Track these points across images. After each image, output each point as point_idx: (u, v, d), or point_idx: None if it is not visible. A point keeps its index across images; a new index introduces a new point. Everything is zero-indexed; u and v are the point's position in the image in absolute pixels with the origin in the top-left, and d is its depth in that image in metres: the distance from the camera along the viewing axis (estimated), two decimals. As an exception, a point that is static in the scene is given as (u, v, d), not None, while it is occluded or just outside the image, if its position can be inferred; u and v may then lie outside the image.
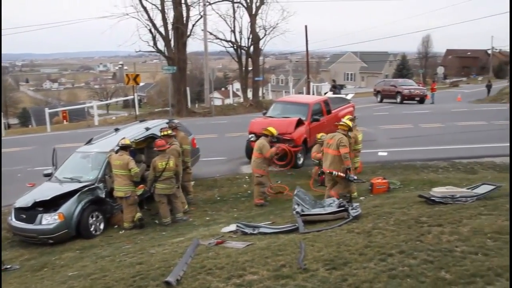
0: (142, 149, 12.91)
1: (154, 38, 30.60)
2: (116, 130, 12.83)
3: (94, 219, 10.48)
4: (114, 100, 65.55)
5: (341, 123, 10.20)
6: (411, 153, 15.60)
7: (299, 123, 14.64)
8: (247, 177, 13.78)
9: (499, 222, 6.26)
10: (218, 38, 35.27)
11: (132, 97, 33.14)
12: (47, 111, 29.00)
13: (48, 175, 11.59)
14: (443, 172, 13.74)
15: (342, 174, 9.67)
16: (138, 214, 10.74)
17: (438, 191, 8.15)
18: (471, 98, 38.61)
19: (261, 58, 41.11)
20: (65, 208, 10.00)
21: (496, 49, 74.75)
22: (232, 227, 8.33)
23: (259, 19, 35.66)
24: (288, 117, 14.98)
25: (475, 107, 28.96)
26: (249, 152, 14.05)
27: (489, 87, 41.24)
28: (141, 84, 63.61)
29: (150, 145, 12.34)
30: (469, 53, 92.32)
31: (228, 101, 46.56)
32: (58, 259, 8.73)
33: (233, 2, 35.15)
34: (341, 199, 8.96)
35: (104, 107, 69.95)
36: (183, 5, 30.70)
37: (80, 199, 10.20)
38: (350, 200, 9.54)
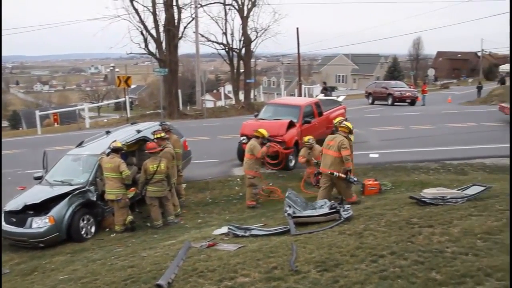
0: (134, 151, 12.89)
1: (145, 40, 30.56)
2: (107, 132, 12.78)
3: (85, 222, 10.42)
4: (105, 102, 65.45)
5: (341, 125, 10.23)
6: (402, 154, 15.67)
7: (291, 125, 14.66)
8: (238, 179, 13.77)
9: (489, 223, 6.31)
10: (210, 40, 35.29)
11: (123, 99, 33.03)
12: (38, 113, 28.86)
13: (39, 178, 11.52)
14: (434, 173, 13.81)
15: (343, 175, 9.70)
16: (130, 217, 10.70)
17: (428, 193, 8.19)
18: (461, 99, 38.87)
19: (252, 60, 41.13)
20: (55, 211, 9.93)
21: (485, 52, 75.32)
22: (224, 229, 8.32)
23: (250, 21, 35.72)
24: (280, 119, 15.00)
25: (465, 108, 29.17)
26: (241, 154, 14.06)
27: (479, 88, 41.59)
28: (133, 86, 63.51)
29: (141, 147, 12.31)
30: (459, 55, 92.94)
31: (220, 103, 46.55)
32: (49, 263, 8.67)
33: (224, 4, 35.15)
34: (332, 201, 8.98)
35: (95, 109, 69.60)
36: (175, 7, 30.70)
37: (71, 202, 10.13)
38: (341, 201, 9.57)
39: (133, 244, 9.28)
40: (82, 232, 10.30)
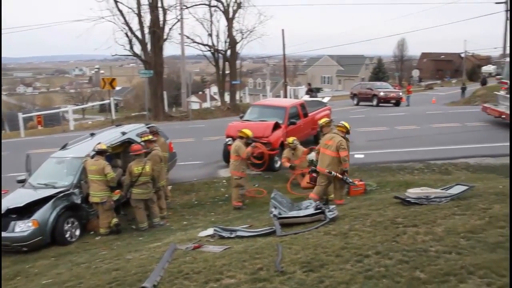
0: (119, 154, 12.80)
1: (130, 41, 30.40)
2: (92, 135, 12.68)
3: (69, 225, 10.32)
4: (90, 104, 64.89)
5: (339, 125, 10.26)
6: (387, 155, 15.79)
7: (276, 126, 14.68)
8: (224, 181, 13.76)
9: (472, 222, 6.38)
10: (195, 42, 35.22)
11: (108, 101, 32.78)
12: (21, 116, 28.48)
13: (22, 181, 11.37)
14: (419, 173, 13.94)
15: (340, 176, 9.74)
16: (115, 220, 10.63)
17: (413, 192, 8.25)
18: (445, 100, 39.26)
19: (238, 61, 41.08)
20: (39, 214, 9.81)
21: (469, 53, 76.11)
22: (210, 231, 8.29)
23: (236, 23, 35.71)
24: (265, 121, 15.01)
25: (450, 109, 29.44)
26: (226, 155, 14.05)
27: (463, 89, 42.16)
28: (118, 88, 63.01)
29: (126, 150, 12.23)
30: (443, 57, 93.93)
31: (206, 105, 46.39)
32: (32, 267, 8.57)
33: (210, 6, 35.11)
34: (317, 202, 9.01)
35: (80, 111, 68.96)
36: (160, 9, 30.58)
37: (55, 205, 10.03)
38: (327, 202, 9.60)
39: (118, 247, 9.22)
40: (67, 235, 10.21)
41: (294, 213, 8.47)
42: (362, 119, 25.22)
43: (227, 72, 36.94)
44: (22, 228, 9.68)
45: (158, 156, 11.23)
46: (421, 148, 16.62)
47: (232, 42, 35.51)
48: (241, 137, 11.73)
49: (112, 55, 31.93)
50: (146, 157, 10.94)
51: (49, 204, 9.96)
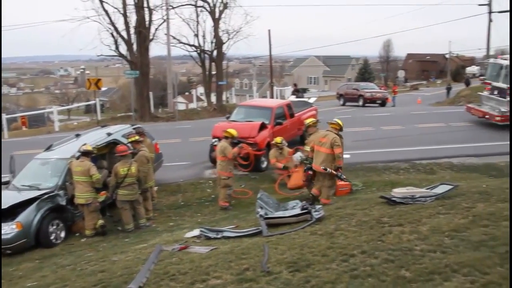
0: (104, 155, 12.71)
1: (116, 42, 30.18)
2: (77, 135, 12.58)
3: (54, 227, 10.23)
4: (75, 105, 64.34)
5: (333, 122, 10.28)
6: (373, 155, 15.89)
7: (262, 127, 14.70)
8: (210, 182, 13.74)
9: (456, 221, 6.44)
10: (181, 42, 35.06)
11: (94, 102, 32.54)
12: (5, 117, 28.14)
13: (6, 183, 11.25)
14: (404, 173, 14.06)
15: (335, 172, 9.80)
16: (100, 221, 10.56)
17: (398, 192, 8.30)
18: (430, 100, 39.62)
19: (224, 62, 41.02)
20: (23, 216, 9.70)
21: (453, 54, 76.98)
22: (196, 232, 8.27)
23: (222, 23, 35.62)
24: (251, 121, 15.02)
25: (434, 109, 29.71)
26: (212, 156, 14.03)
27: (448, 89, 42.74)
28: (104, 88, 62.61)
29: (112, 150, 12.15)
30: (428, 57, 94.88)
31: (192, 105, 46.27)
32: (16, 270, 8.46)
33: (196, 6, 35.01)
34: (304, 202, 9.03)
35: (65, 112, 68.32)
36: (146, 9, 30.40)
37: (39, 207, 9.93)
38: (313, 202, 9.63)
39: (103, 249, 9.16)
40: (51, 238, 10.11)
41: (280, 214, 8.48)
42: (348, 119, 25.27)
43: (213, 72, 36.84)
44: (5, 230, 9.55)
45: (145, 157, 11.18)
46: (407, 148, 16.75)
47: (219, 43, 35.46)
48: (226, 137, 11.75)
49: (98, 56, 31.72)
50: (133, 158, 10.90)
51: (33, 206, 9.85)
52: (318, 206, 8.28)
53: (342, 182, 11.23)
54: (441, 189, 8.47)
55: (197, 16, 35.41)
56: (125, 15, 29.63)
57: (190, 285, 5.51)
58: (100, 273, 6.67)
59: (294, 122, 16.74)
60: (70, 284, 6.44)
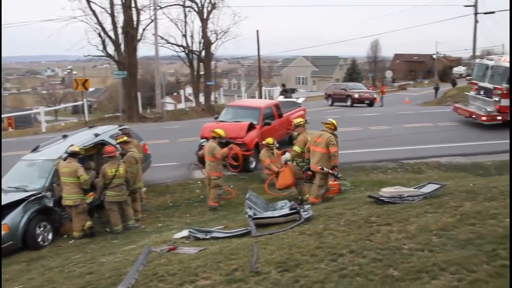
0: (92, 155, 12.63)
1: (103, 42, 29.98)
2: (64, 136, 12.50)
3: (41, 229, 10.14)
4: (62, 106, 63.79)
5: (327, 122, 10.40)
6: (361, 155, 15.95)
7: (251, 127, 14.70)
8: (199, 182, 13.71)
9: (443, 219, 6.49)
10: (169, 43, 34.93)
11: (81, 102, 32.31)
12: (-9, 117, 27.87)
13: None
14: (392, 172, 14.14)
15: (331, 171, 9.88)
16: (88, 223, 10.49)
17: (386, 191, 8.36)
18: (418, 100, 39.89)
19: (213, 62, 41.00)
20: (10, 218, 9.60)
21: (440, 54, 77.67)
22: (185, 232, 8.25)
23: (210, 23, 35.54)
24: (240, 121, 15.01)
25: (422, 109, 29.90)
26: (201, 157, 13.98)
27: (436, 89, 43.15)
28: (91, 89, 62.17)
29: (100, 151, 12.08)
30: (415, 58, 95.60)
31: (180, 106, 46.12)
32: (3, 273, 8.37)
33: (184, 7, 34.91)
34: (292, 202, 9.06)
35: (52, 113, 67.81)
36: (133, 9, 30.27)
37: (26, 209, 9.84)
38: (301, 202, 9.66)
39: (92, 250, 9.09)
40: (39, 240, 10.02)
41: (269, 214, 8.49)
42: (337, 119, 25.30)
43: (201, 73, 36.76)
44: (-8, 232, 9.46)
45: (133, 157, 11.13)
46: (394, 147, 16.85)
47: (207, 43, 35.38)
48: (214, 137, 11.75)
49: (85, 56, 31.54)
50: (122, 159, 10.85)
51: (20, 208, 9.76)
52: (306, 206, 8.30)
53: (332, 182, 11.29)
54: (429, 188, 8.53)
55: (185, 16, 35.39)
56: (112, 15, 29.47)
57: (179, 286, 5.49)
58: (88, 275, 6.63)
59: (283, 122, 16.75)
60: (57, 286, 6.40)
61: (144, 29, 31.14)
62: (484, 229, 5.92)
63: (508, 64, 18.65)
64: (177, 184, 13.88)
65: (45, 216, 10.31)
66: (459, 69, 72.33)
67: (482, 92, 19.99)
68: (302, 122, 11.48)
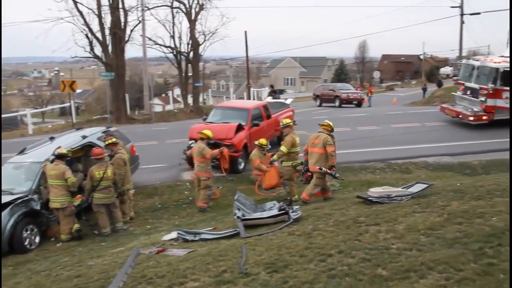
0: (79, 158, 12.54)
1: (91, 43, 29.79)
2: (51, 138, 12.39)
3: (28, 232, 10.02)
4: (49, 107, 63.25)
5: (323, 123, 10.50)
6: (350, 155, 15.98)
7: (239, 128, 14.68)
8: (188, 184, 13.67)
9: (431, 219, 6.54)
10: (157, 44, 34.85)
11: (69, 104, 32.05)
12: (-24, 120, 27.53)
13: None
14: (380, 172, 14.20)
15: (329, 171, 9.95)
16: (76, 225, 10.41)
17: (375, 192, 8.41)
18: (405, 101, 40.15)
19: (201, 63, 40.89)
20: (-4, 222, 9.49)
21: (427, 55, 78.34)
22: (173, 234, 8.23)
23: (198, 24, 35.52)
24: (228, 123, 14.99)
25: (409, 109, 30.07)
26: (189, 158, 13.95)
27: (424, 90, 43.52)
28: (79, 91, 61.76)
29: (87, 153, 11.99)
30: (403, 58, 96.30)
31: (169, 107, 46.02)
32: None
33: (172, 8, 34.83)
34: (281, 203, 9.07)
35: (39, 115, 67.14)
36: (121, 10, 30.11)
37: (12, 212, 9.72)
38: (290, 203, 9.67)
39: (80, 253, 9.02)
40: (26, 243, 9.90)
41: (258, 215, 8.49)
42: (325, 120, 25.50)
43: (190, 74, 36.71)
44: (-22, 236, 9.35)
45: (121, 159, 11.05)
46: (382, 148, 16.93)
47: (195, 44, 35.33)
48: (202, 139, 11.74)
49: (72, 57, 31.36)
50: (110, 160, 10.78)
51: (6, 211, 9.63)
52: (295, 207, 8.31)
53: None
54: (417, 188, 8.59)
55: (173, 17, 35.38)
56: (99, 16, 29.29)
57: (168, 288, 5.47)
58: (76, 278, 6.57)
59: (271, 123, 16.77)
60: (45, 290, 6.33)
61: (131, 30, 31.09)
62: (471, 228, 5.98)
63: (493, 65, 18.86)
64: (165, 186, 13.82)
65: (32, 219, 10.20)
66: (446, 70, 72.92)
67: (468, 92, 20.17)
68: (290, 123, 11.53)
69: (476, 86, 19.48)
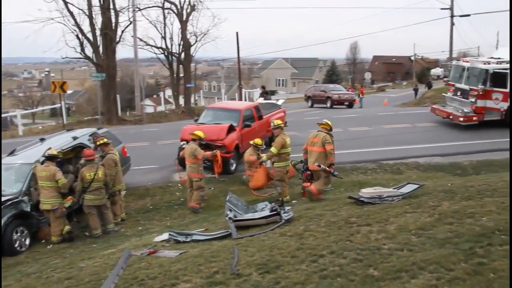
0: (70, 159, 12.46)
1: (81, 44, 29.61)
2: (42, 140, 12.32)
3: (18, 234, 9.95)
4: (40, 108, 62.93)
5: (322, 123, 10.68)
6: (341, 156, 15.92)
7: (231, 129, 14.67)
8: (179, 185, 13.63)
9: (422, 219, 6.57)
10: (149, 45, 34.79)
11: (59, 105, 31.86)
12: (-35, 121, 27.30)
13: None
14: (372, 173, 14.24)
15: (328, 169, 10.08)
16: (67, 227, 10.35)
17: (366, 192, 8.43)
18: (396, 102, 40.28)
19: (192, 64, 40.85)
20: (-15, 224, 9.41)
21: (418, 56, 78.75)
22: (165, 236, 8.20)
23: (190, 25, 35.51)
24: (220, 124, 14.97)
25: (401, 110, 30.20)
26: (181, 159, 13.91)
27: (416, 90, 43.77)
28: (69, 91, 61.46)
29: (78, 155, 11.93)
30: (394, 59, 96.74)
31: (160, 108, 45.89)
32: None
33: (163, 8, 34.73)
34: (273, 203, 9.07)
35: (29, 116, 66.73)
36: (112, 11, 29.96)
37: (2, 214, 9.64)
38: (282, 203, 9.67)
39: (71, 255, 8.97)
40: (16, 245, 9.83)
41: (249, 216, 8.49)
42: (316, 121, 25.50)
43: (181, 75, 36.64)
44: (-33, 238, 9.27)
45: (112, 160, 11.01)
46: (374, 148, 16.98)
47: (186, 45, 35.28)
48: (193, 140, 11.73)
49: (63, 58, 31.18)
50: (101, 161, 10.74)
51: (-4, 213, 9.57)
52: (287, 208, 8.32)
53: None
54: (408, 188, 8.64)
55: (164, 18, 35.28)
56: (90, 17, 29.14)
57: (160, 290, 5.45)
58: (66, 280, 6.53)
59: (263, 124, 16.76)
60: (35, 292, 6.29)
61: (123, 31, 30.90)
62: (462, 228, 6.01)
63: (483, 66, 19.00)
64: (157, 187, 13.78)
65: (22, 221, 10.12)
66: (436, 71, 73.48)
67: (459, 94, 20.32)
68: (281, 124, 11.57)
69: (466, 87, 19.62)
